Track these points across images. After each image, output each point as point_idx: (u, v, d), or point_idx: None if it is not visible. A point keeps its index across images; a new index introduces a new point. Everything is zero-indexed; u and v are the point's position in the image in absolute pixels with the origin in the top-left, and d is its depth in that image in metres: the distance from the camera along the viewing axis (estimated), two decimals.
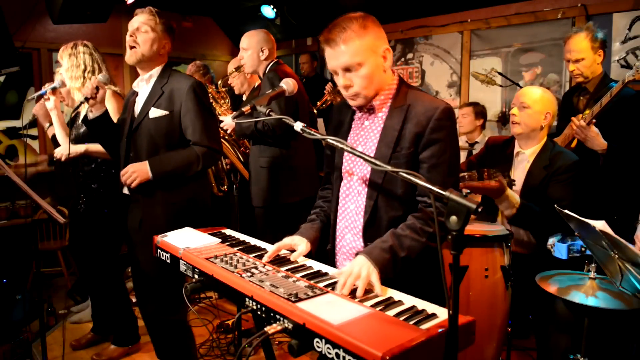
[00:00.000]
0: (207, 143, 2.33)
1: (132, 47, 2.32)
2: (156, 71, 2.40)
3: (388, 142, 1.62)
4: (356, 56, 1.56)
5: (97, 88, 2.29)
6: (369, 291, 1.43)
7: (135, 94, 2.46)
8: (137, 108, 2.40)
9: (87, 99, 2.30)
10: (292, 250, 1.76)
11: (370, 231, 1.66)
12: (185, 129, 2.34)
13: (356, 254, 1.56)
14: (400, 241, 1.55)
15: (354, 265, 1.48)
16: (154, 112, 2.33)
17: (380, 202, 1.65)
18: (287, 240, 1.76)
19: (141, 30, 2.33)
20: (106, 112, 2.38)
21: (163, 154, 2.33)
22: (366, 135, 1.70)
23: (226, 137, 3.63)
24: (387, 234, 1.58)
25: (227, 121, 3.39)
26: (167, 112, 2.32)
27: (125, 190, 2.43)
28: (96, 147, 2.88)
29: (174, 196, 2.35)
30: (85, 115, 2.41)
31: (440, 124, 1.57)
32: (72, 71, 2.89)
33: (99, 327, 3.32)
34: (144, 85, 2.42)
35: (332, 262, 1.78)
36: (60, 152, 2.97)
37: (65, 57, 2.92)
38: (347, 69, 1.59)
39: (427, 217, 1.57)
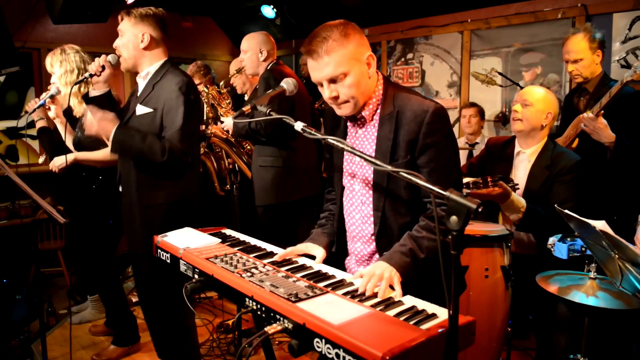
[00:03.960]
0: (178, 144, 2.21)
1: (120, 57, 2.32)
2: (154, 68, 2.36)
3: (384, 152, 1.60)
4: (340, 66, 1.52)
5: (103, 67, 2.27)
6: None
7: (137, 89, 2.46)
8: (132, 104, 2.40)
9: (91, 76, 2.28)
10: (306, 256, 1.77)
11: (383, 241, 1.66)
12: (164, 126, 2.26)
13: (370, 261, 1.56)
14: (418, 243, 1.55)
15: (377, 267, 1.48)
16: (140, 109, 2.31)
17: (387, 210, 1.64)
18: (302, 247, 1.76)
19: (120, 36, 2.32)
20: (108, 93, 2.35)
21: (138, 130, 2.24)
22: (361, 145, 1.68)
23: (229, 138, 3.63)
24: (405, 238, 1.58)
25: (228, 122, 3.40)
26: (150, 110, 2.28)
27: (121, 189, 2.44)
28: (86, 156, 2.87)
29: (148, 200, 2.30)
30: (87, 93, 2.38)
31: (433, 127, 1.55)
32: (67, 77, 2.89)
33: (111, 321, 3.34)
34: (141, 82, 2.40)
35: (339, 266, 1.78)
36: (54, 165, 2.94)
37: (56, 65, 2.91)
38: (332, 80, 1.55)
39: (438, 215, 1.57)
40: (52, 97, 2.87)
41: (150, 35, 2.30)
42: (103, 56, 2.29)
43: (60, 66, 2.90)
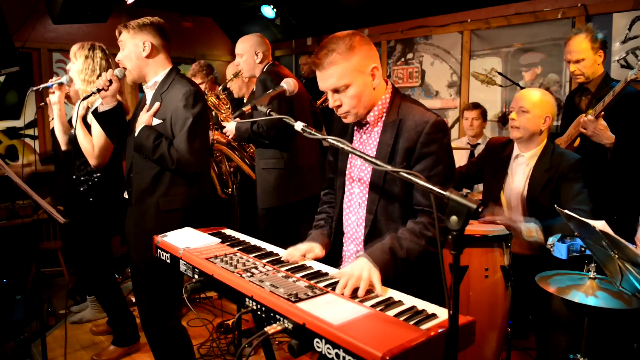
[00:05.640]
0: (186, 155, 2.23)
1: (125, 69, 2.32)
2: (160, 77, 2.35)
3: (382, 157, 1.64)
4: (343, 78, 1.58)
5: (110, 81, 2.27)
6: (369, 291, 1.43)
7: (144, 99, 2.46)
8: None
9: (99, 90, 2.28)
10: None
11: (371, 244, 1.67)
12: (174, 136, 2.28)
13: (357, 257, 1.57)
14: (400, 242, 1.57)
15: (355, 267, 1.49)
16: (154, 122, 2.32)
17: (379, 214, 1.67)
18: (305, 246, 1.77)
19: (121, 49, 2.32)
20: (117, 106, 2.35)
21: (158, 134, 2.27)
22: (363, 150, 1.73)
23: (230, 142, 3.64)
24: (387, 237, 1.61)
25: (230, 127, 3.39)
26: (161, 121, 2.29)
27: (126, 195, 2.43)
28: (81, 139, 2.84)
29: (165, 205, 2.31)
30: (96, 108, 2.39)
31: (431, 137, 1.59)
32: (86, 74, 2.86)
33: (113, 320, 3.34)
34: (149, 92, 2.40)
35: (333, 267, 1.78)
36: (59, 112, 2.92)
37: (80, 58, 2.87)
38: (335, 90, 1.62)
39: (427, 221, 1.60)
40: (61, 84, 2.85)
41: (151, 43, 2.30)
42: (110, 70, 2.29)
43: (85, 61, 2.87)
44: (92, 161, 2.87)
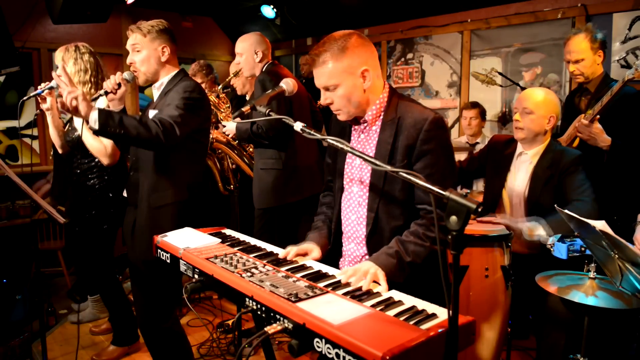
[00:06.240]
0: (173, 114, 2.14)
1: (135, 71, 2.33)
2: (167, 78, 2.38)
3: (382, 155, 1.65)
4: (332, 78, 1.62)
5: (119, 84, 2.28)
6: (369, 291, 1.43)
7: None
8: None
9: (106, 93, 2.28)
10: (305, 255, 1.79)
11: (373, 241, 1.69)
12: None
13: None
14: (405, 247, 1.58)
15: (362, 265, 1.52)
16: (151, 114, 2.32)
17: (381, 212, 1.68)
18: (303, 247, 1.78)
19: (135, 51, 2.33)
20: (123, 110, 2.34)
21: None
22: (362, 149, 1.73)
23: (230, 141, 3.64)
24: (393, 241, 1.62)
25: (230, 126, 3.39)
26: (157, 112, 2.28)
27: (125, 194, 2.43)
28: (90, 141, 2.81)
29: (156, 201, 2.31)
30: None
31: (430, 134, 1.60)
32: (79, 76, 2.86)
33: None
34: (155, 92, 2.42)
35: (333, 266, 1.79)
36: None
37: (69, 62, 2.87)
38: (326, 89, 1.65)
39: (429, 222, 1.61)
40: (51, 88, 2.84)
41: (169, 48, 2.36)
42: (118, 73, 2.29)
43: (75, 63, 2.87)
44: (105, 160, 2.85)
